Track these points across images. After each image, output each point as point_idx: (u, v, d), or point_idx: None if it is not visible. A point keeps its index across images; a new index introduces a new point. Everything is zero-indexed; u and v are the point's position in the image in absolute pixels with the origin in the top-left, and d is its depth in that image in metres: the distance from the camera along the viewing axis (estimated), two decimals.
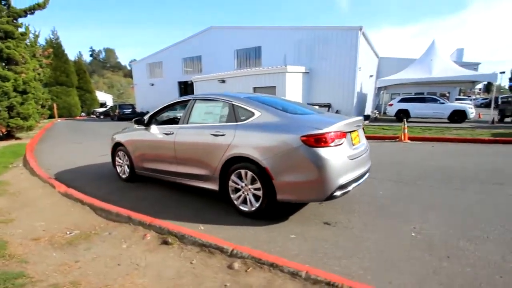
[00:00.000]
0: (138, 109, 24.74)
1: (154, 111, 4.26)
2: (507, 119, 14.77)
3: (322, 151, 2.58)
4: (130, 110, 23.43)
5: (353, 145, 2.97)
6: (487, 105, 28.05)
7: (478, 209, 3.12)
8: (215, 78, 17.27)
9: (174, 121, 4.35)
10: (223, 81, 16.91)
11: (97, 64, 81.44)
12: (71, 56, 69.24)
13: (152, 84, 25.20)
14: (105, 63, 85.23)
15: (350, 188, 2.81)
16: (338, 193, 2.67)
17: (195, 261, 2.15)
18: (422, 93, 21.61)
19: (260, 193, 2.91)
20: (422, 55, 17.69)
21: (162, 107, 4.19)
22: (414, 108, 15.45)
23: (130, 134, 4.48)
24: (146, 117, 4.21)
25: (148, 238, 2.55)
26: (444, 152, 6.66)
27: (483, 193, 3.61)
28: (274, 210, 2.93)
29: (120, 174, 4.78)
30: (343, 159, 2.71)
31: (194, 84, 18.80)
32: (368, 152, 3.33)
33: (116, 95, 59.03)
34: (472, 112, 13.97)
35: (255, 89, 15.77)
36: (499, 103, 15.97)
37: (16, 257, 2.25)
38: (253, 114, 3.09)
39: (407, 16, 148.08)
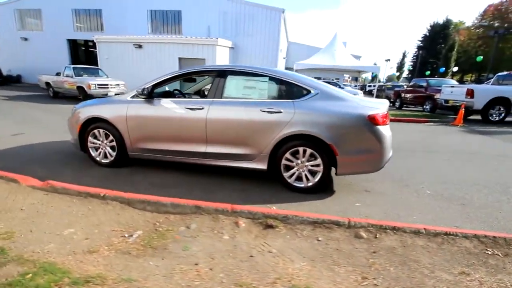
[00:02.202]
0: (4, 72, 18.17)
1: (158, 80, 3.53)
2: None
3: (382, 129, 2.96)
4: None
5: None
6: (369, 92, 34.87)
7: (441, 168, 4.31)
8: (128, 41, 14.69)
9: (184, 94, 3.72)
10: (139, 46, 14.62)
11: None
12: None
13: (25, 39, 18.92)
14: None
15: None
16: (385, 165, 3.16)
17: (321, 238, 2.19)
18: (330, 79, 25.18)
19: (318, 169, 3.07)
20: (327, 45, 20.50)
21: (169, 76, 3.53)
22: None
23: (119, 107, 3.55)
24: (147, 87, 3.42)
25: (243, 225, 2.32)
26: None
27: (427, 159, 4.96)
28: (326, 185, 3.17)
29: (98, 159, 3.77)
30: (390, 135, 3.19)
31: (97, 45, 15.36)
32: None
33: None
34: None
35: (180, 59, 14.49)
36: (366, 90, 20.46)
37: (109, 279, 1.65)
38: (308, 91, 3.12)
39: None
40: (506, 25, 37.04)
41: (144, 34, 16.43)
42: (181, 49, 14.34)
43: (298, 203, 2.90)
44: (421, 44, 51.23)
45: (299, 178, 3.16)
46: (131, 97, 3.57)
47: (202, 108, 3.24)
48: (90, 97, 9.08)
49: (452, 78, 23.67)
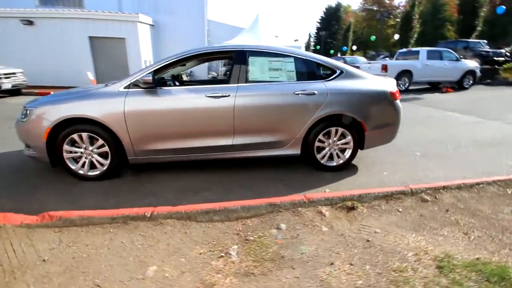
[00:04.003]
0: None
1: (159, 64, 2.88)
2: None
3: (399, 103, 3.27)
4: None
5: None
6: None
7: (401, 132, 5.11)
8: (12, 15, 11.14)
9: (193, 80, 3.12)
10: (30, 23, 11.32)
11: None
12: None
13: None
14: None
15: None
16: None
17: (400, 209, 2.34)
18: None
19: (347, 146, 3.19)
20: (251, 25, 20.53)
21: (174, 59, 2.93)
22: None
23: (111, 102, 2.75)
24: (146, 75, 2.75)
25: (328, 213, 2.25)
26: None
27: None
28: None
29: (81, 172, 2.90)
30: None
31: None
32: None
33: None
34: None
35: (92, 39, 12.04)
36: None
37: None
38: (334, 71, 3.13)
39: None
40: (382, 9, 44.98)
41: (31, 6, 12.67)
42: (91, 27, 11.75)
43: (338, 182, 2.97)
44: (319, 26, 57.26)
45: (331, 157, 3.22)
46: (124, 88, 2.80)
47: (228, 95, 2.84)
48: None
49: (352, 55, 27.54)
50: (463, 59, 12.20)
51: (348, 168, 3.30)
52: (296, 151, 3.12)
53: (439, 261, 1.68)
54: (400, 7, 46.80)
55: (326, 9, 57.25)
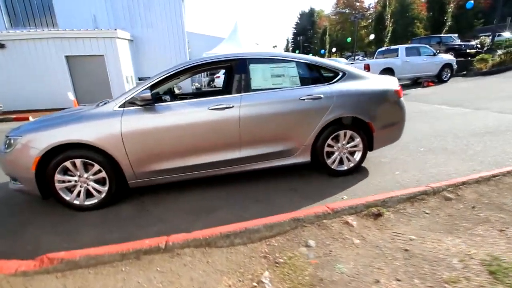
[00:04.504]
0: None
1: (155, 80, 2.69)
2: None
3: (403, 100, 3.22)
4: None
5: None
6: None
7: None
8: None
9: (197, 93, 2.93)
10: (1, 46, 10.76)
11: None
12: None
13: None
14: None
15: None
16: None
17: (428, 211, 2.24)
18: None
19: (356, 149, 3.10)
20: (230, 34, 20.55)
21: (172, 72, 2.75)
22: None
23: (105, 124, 2.52)
24: (143, 91, 2.55)
25: (355, 223, 2.11)
26: None
27: None
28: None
29: (77, 202, 2.64)
30: None
31: None
32: None
33: None
34: None
35: (69, 58, 11.60)
36: None
37: None
38: (337, 73, 3.04)
39: None
40: (353, 11, 46.66)
41: (0, 29, 12.07)
42: (67, 45, 11.29)
43: (354, 187, 2.87)
44: (295, 31, 58.61)
45: (341, 162, 3.11)
46: (119, 106, 2.59)
47: (232, 106, 2.68)
48: None
49: (330, 57, 28.18)
50: (439, 54, 12.68)
51: (358, 170, 3.20)
52: (306, 158, 2.99)
53: (488, 265, 1.58)
54: (371, 9, 48.82)
55: (300, 14, 58.76)
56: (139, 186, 2.72)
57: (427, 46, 13.03)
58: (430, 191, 2.44)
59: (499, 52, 14.34)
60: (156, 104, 2.63)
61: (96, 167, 2.56)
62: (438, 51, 13.25)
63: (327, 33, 41.89)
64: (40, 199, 2.65)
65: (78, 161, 2.52)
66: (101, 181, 2.64)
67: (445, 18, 21.94)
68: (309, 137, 2.90)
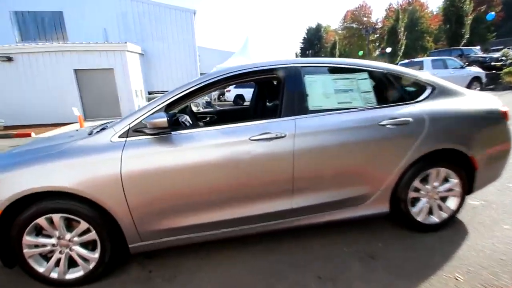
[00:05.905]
0: None
1: (174, 96, 1.88)
2: None
3: (510, 126, 2.33)
4: None
5: None
6: None
7: None
8: None
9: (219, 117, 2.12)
10: (8, 59, 10.36)
11: None
12: None
13: None
14: None
15: None
16: None
17: None
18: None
19: (451, 193, 2.20)
20: (241, 48, 20.14)
21: (194, 87, 1.93)
22: (248, 93, 17.64)
23: (98, 161, 1.68)
24: (156, 115, 1.73)
25: None
26: None
27: None
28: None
29: (54, 276, 1.77)
30: None
31: None
32: None
33: None
34: None
35: (77, 72, 11.13)
36: None
37: None
38: (424, 87, 2.19)
39: None
40: (361, 26, 46.63)
41: (12, 43, 11.76)
42: (76, 59, 10.83)
43: (459, 253, 1.95)
44: (303, 45, 58.89)
45: (430, 212, 2.20)
46: (120, 136, 1.76)
47: (284, 136, 1.83)
48: None
49: None
50: (467, 66, 11.87)
51: (449, 223, 2.28)
52: (383, 208, 2.10)
53: None
54: (378, 23, 48.70)
55: (307, 29, 59.15)
56: (144, 251, 1.86)
57: (454, 58, 12.22)
58: None
59: None
60: (173, 133, 1.79)
61: (84, 225, 1.71)
62: (466, 63, 12.42)
63: (337, 47, 41.60)
64: (2, 269, 1.81)
65: (56, 217, 1.68)
66: (90, 245, 1.78)
67: (463, 30, 21.22)
68: (390, 177, 2.02)
